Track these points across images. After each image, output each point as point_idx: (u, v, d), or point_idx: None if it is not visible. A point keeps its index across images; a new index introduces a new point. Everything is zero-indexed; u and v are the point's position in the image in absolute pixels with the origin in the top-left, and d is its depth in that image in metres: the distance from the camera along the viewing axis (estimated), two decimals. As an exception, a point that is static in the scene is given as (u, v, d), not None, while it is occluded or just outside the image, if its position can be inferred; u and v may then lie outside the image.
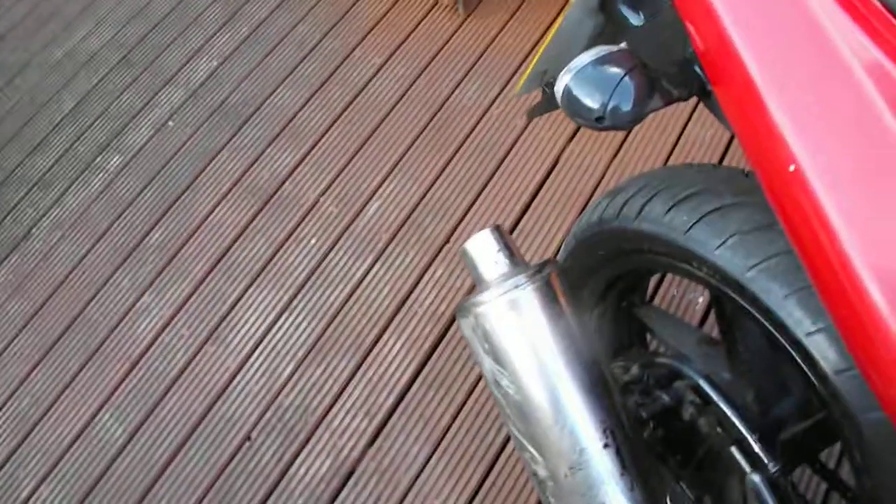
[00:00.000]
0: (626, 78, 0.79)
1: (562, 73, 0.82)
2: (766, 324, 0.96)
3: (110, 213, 2.33)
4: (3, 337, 2.16)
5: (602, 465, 0.89)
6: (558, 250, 1.94)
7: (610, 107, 0.79)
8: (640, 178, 1.16)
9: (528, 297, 0.91)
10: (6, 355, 2.13)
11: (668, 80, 0.82)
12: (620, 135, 2.10)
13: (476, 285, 0.97)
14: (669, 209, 1.05)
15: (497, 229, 0.98)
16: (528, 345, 0.91)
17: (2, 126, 2.68)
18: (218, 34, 2.67)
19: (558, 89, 0.81)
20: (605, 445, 0.89)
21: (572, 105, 0.81)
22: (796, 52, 0.67)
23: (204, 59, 2.62)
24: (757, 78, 0.68)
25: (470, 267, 0.97)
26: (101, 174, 2.44)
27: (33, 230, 2.38)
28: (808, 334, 0.87)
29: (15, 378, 2.08)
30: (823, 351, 0.85)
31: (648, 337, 1.47)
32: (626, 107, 0.79)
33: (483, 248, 0.96)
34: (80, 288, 2.20)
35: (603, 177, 2.05)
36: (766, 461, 0.97)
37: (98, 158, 2.48)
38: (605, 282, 1.30)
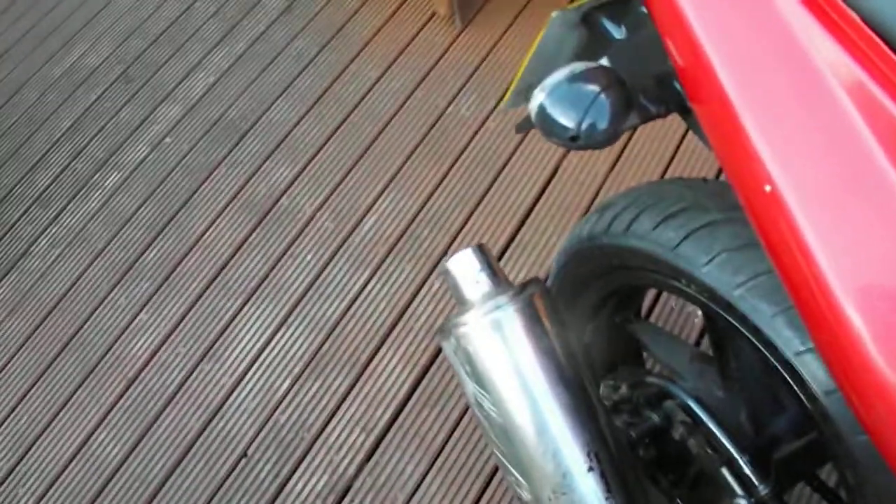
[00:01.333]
0: (602, 95, 0.78)
1: (535, 91, 0.80)
2: (756, 343, 0.94)
3: (108, 231, 2.33)
4: (1, 355, 2.16)
5: (587, 488, 0.88)
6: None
7: (585, 125, 0.77)
8: (629, 192, 1.14)
9: (510, 317, 0.90)
10: (4, 374, 2.12)
11: (647, 97, 0.81)
12: (618, 146, 2.08)
13: (457, 306, 0.96)
14: (657, 225, 1.03)
15: (480, 248, 0.96)
16: (511, 367, 0.90)
17: (0, 144, 2.68)
18: (215, 49, 2.67)
19: (532, 107, 0.79)
20: (590, 469, 0.87)
21: (546, 124, 0.79)
22: (773, 69, 0.66)
23: (202, 74, 2.62)
24: (733, 95, 0.67)
25: (451, 287, 0.95)
26: (98, 191, 2.44)
27: (32, 248, 2.38)
28: (798, 354, 0.85)
29: (13, 396, 2.07)
30: (813, 371, 0.83)
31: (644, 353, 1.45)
32: (602, 125, 0.78)
33: (465, 268, 0.95)
34: (77, 306, 2.20)
35: (600, 189, 2.03)
36: (756, 483, 0.95)
37: (96, 175, 2.48)
38: (598, 297, 1.29)
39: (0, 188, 2.57)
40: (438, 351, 1.86)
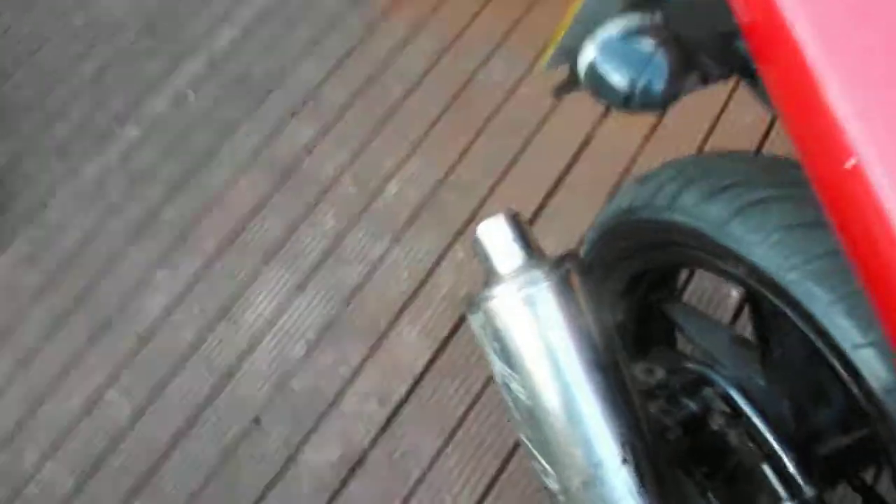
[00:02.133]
0: (660, 52, 0.70)
1: (585, 46, 0.72)
2: (807, 331, 0.87)
3: (125, 185, 2.27)
4: (18, 309, 2.11)
5: (619, 482, 0.81)
6: (584, 237, 1.85)
7: (640, 85, 0.70)
8: (675, 164, 1.07)
9: (544, 294, 0.83)
10: (16, 326, 2.07)
11: (707, 57, 0.73)
12: (653, 117, 2.00)
13: (487, 277, 0.89)
14: (706, 200, 0.96)
15: (513, 215, 0.89)
16: (543, 347, 0.83)
17: (23, 92, 2.63)
18: (242, 2, 2.58)
19: (581, 64, 0.72)
20: (624, 461, 0.81)
21: (597, 83, 0.72)
22: (862, 24, 0.58)
23: (227, 28, 2.53)
24: (811, 55, 0.59)
25: (481, 256, 0.89)
26: (118, 144, 2.38)
27: (50, 200, 2.32)
28: (856, 347, 0.78)
29: (25, 349, 2.03)
30: (872, 366, 0.76)
31: (678, 335, 1.38)
32: (659, 85, 0.70)
33: (496, 236, 0.88)
34: (91, 261, 2.14)
35: (634, 161, 1.95)
36: (801, 484, 0.88)
37: (116, 129, 2.42)
38: (632, 275, 1.22)
39: (21, 139, 2.51)
40: (459, 322, 1.80)
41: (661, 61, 0.70)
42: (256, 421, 1.79)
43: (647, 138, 1.98)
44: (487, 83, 2.17)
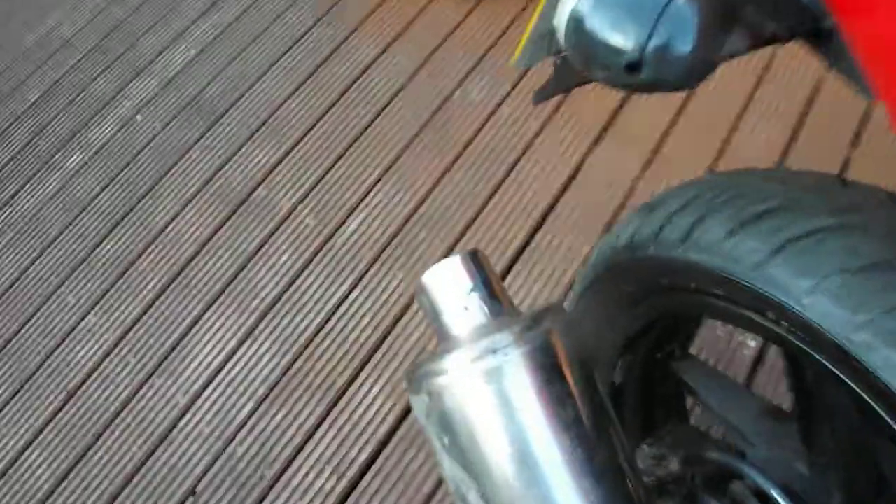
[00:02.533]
0: (683, -1, 0.45)
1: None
2: (877, 406, 0.63)
3: (63, 218, 2.03)
4: None
5: None
6: (574, 281, 1.60)
7: (654, 46, 0.45)
8: (689, 186, 0.83)
9: (514, 367, 0.58)
10: None
11: (755, 6, 0.48)
12: (654, 138, 1.76)
13: (438, 341, 0.64)
14: (733, 232, 0.72)
15: (473, 256, 0.64)
16: (512, 442, 0.58)
17: None
18: (200, 19, 2.37)
19: (560, 19, 0.47)
20: None
21: (587, 44, 0.47)
22: None
23: (182, 46, 2.31)
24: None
25: (428, 312, 0.64)
26: (58, 173, 2.15)
27: None
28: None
29: None
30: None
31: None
32: (683, 46, 0.45)
33: (449, 285, 0.63)
34: (21, 302, 1.91)
35: (632, 190, 1.71)
36: None
37: (57, 155, 2.19)
38: (636, 326, 0.97)
39: (-45, 166, 2.29)
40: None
41: (686, 10, 0.45)
42: (193, 493, 1.53)
43: (647, 163, 1.74)
44: (465, 104, 1.93)
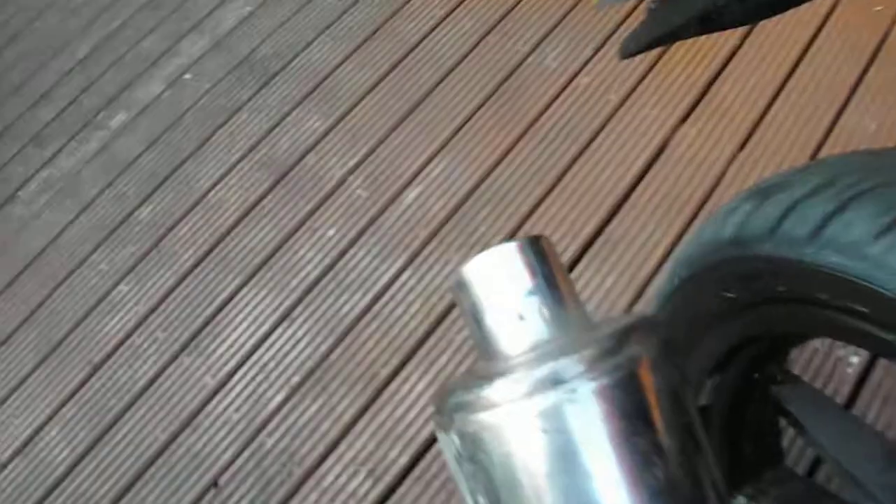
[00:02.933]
0: None
1: None
2: None
3: (102, 179, 1.92)
4: None
5: None
6: (657, 280, 1.41)
7: None
8: (820, 165, 0.64)
9: (583, 409, 0.40)
10: None
11: None
12: (751, 116, 1.55)
13: (478, 356, 0.47)
14: (887, 230, 0.53)
15: (534, 244, 0.47)
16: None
17: (12, 73, 2.35)
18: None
19: None
20: None
21: None
22: None
23: (237, 3, 2.17)
24: None
25: (468, 316, 0.46)
26: (100, 132, 2.04)
27: (19, 192, 2.01)
28: None
29: None
30: None
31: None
32: None
33: (501, 282, 0.46)
34: (53, 266, 1.81)
35: (724, 173, 1.50)
36: None
37: (101, 114, 2.08)
38: (734, 342, 0.78)
39: (1, 121, 2.20)
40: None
41: None
42: (215, 484, 1.39)
43: (742, 143, 1.53)
44: (538, 70, 1.74)
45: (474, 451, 0.43)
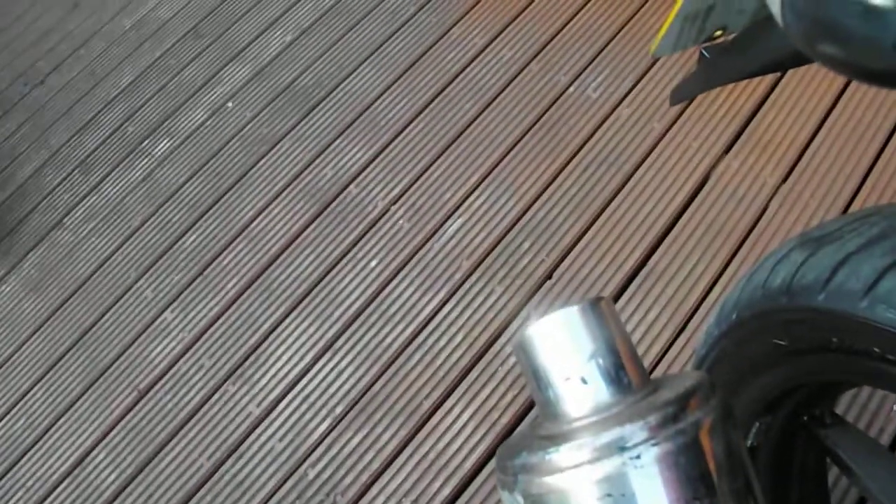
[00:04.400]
0: None
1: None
2: None
3: (147, 207, 1.95)
4: (13, 340, 1.85)
5: None
6: (693, 311, 1.41)
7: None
8: (870, 217, 0.64)
9: (647, 475, 0.41)
10: (11, 363, 1.81)
11: None
12: (794, 148, 1.54)
13: (540, 416, 0.47)
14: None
15: (595, 308, 0.47)
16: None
17: (57, 99, 2.39)
18: (298, 4, 2.25)
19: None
20: None
21: (824, 12, 0.30)
22: None
23: (279, 32, 2.20)
24: None
25: (530, 377, 0.47)
26: (145, 160, 2.07)
27: (66, 219, 2.04)
28: None
29: (14, 393, 1.76)
30: None
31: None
32: None
33: (563, 346, 0.46)
34: (99, 293, 1.83)
35: (767, 206, 1.49)
36: None
37: (146, 142, 2.11)
38: (781, 386, 0.78)
39: (46, 148, 2.25)
40: (525, 408, 1.37)
41: None
42: (260, 514, 1.40)
43: (785, 176, 1.52)
44: (580, 100, 1.75)
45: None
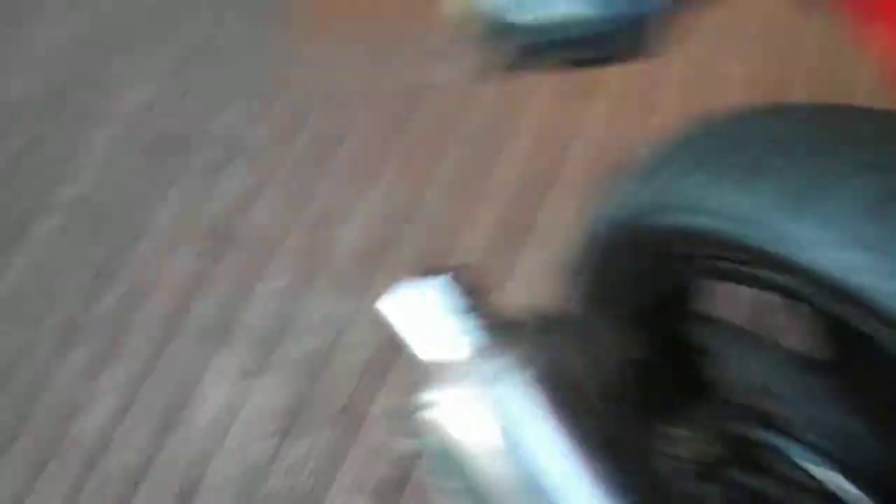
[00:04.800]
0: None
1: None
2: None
3: (46, 286, 1.95)
4: None
5: None
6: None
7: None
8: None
9: (515, 395, 0.51)
10: None
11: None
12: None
13: (423, 366, 0.57)
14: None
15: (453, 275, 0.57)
16: (525, 477, 0.51)
17: None
18: (156, 53, 2.26)
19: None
20: None
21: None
22: None
23: (138, 85, 2.22)
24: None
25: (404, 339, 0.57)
26: (34, 240, 2.06)
27: None
28: None
29: None
30: None
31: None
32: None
33: (424, 307, 0.56)
34: (21, 385, 1.82)
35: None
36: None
37: (31, 222, 2.10)
38: (650, 297, 0.89)
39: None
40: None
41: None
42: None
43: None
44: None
45: (439, 443, 0.53)
